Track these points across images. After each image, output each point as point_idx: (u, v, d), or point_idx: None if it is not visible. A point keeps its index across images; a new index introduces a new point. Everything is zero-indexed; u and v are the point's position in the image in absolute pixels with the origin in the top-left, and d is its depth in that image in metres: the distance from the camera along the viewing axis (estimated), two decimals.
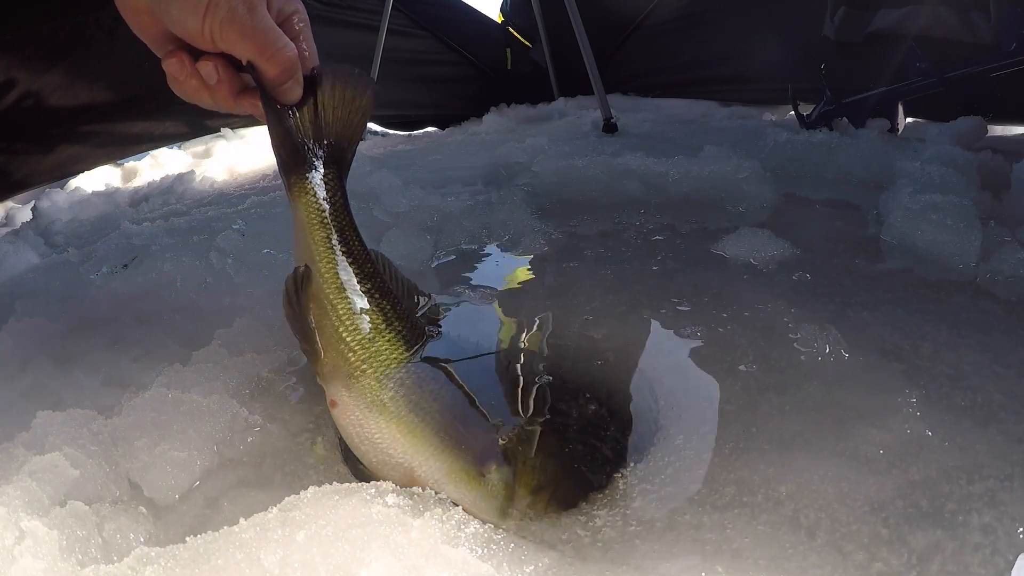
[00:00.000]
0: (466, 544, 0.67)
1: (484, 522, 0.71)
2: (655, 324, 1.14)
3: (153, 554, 0.66)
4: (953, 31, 2.18)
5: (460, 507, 0.73)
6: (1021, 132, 2.18)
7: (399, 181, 1.75)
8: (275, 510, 0.70)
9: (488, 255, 1.51)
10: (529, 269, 1.44)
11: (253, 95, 0.79)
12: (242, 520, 0.69)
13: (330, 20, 3.10)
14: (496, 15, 3.82)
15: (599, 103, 2.70)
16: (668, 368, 1.01)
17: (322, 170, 0.82)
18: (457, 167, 2.30)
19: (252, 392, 1.00)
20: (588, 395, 0.90)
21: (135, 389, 0.99)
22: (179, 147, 3.17)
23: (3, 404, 0.99)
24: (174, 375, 0.98)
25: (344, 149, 0.84)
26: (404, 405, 0.78)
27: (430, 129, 3.61)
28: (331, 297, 0.81)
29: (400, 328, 0.83)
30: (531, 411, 0.85)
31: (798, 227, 1.50)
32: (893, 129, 2.13)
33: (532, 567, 0.67)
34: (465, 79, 3.66)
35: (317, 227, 0.82)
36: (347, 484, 0.73)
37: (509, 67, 3.71)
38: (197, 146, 3.19)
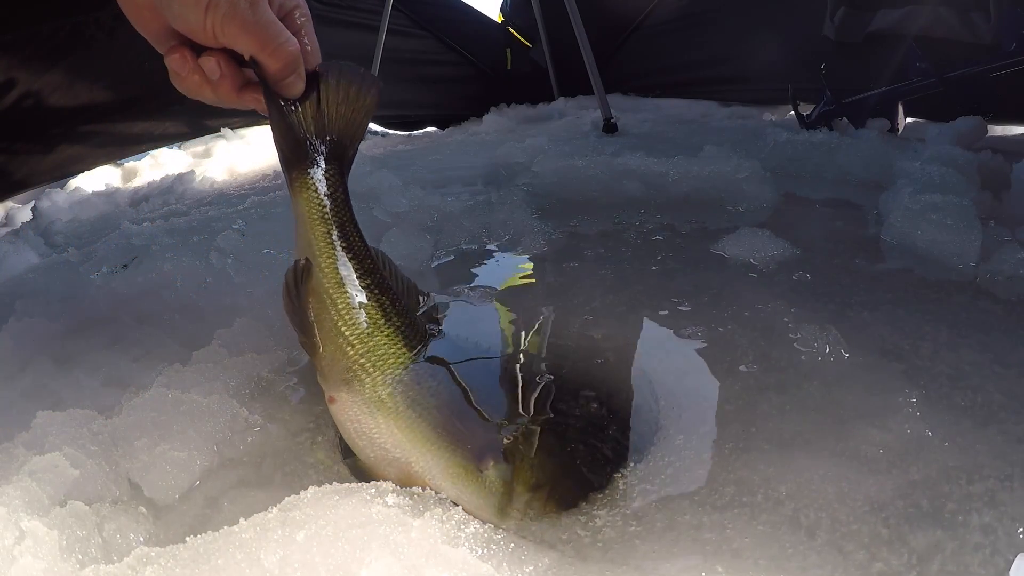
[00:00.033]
0: (466, 544, 0.67)
1: (484, 522, 0.71)
2: (655, 324, 1.14)
3: (153, 554, 0.66)
4: (953, 31, 2.18)
5: (460, 507, 0.73)
6: (1021, 132, 2.18)
7: (399, 181, 1.75)
8: (275, 510, 0.70)
9: (488, 255, 1.51)
10: (529, 269, 1.44)
11: (256, 90, 0.79)
12: (242, 520, 0.69)
13: (330, 20, 3.10)
14: (496, 15, 3.82)
15: (599, 103, 2.70)
16: (668, 368, 1.01)
17: (324, 166, 0.82)
18: (457, 167, 2.30)
19: (252, 392, 1.00)
20: (588, 395, 0.90)
21: (135, 389, 0.99)
22: (179, 147, 3.17)
23: (3, 404, 0.99)
24: (174, 375, 0.98)
25: (346, 146, 0.84)
26: (402, 400, 0.78)
27: (430, 129, 3.61)
28: (331, 291, 0.81)
29: (399, 324, 0.83)
30: (530, 410, 0.85)
31: (798, 227, 1.50)
32: (893, 129, 2.13)
33: (532, 567, 0.67)
34: (465, 79, 3.66)
35: (318, 222, 0.82)
36: (347, 484, 0.73)
37: (509, 67, 3.71)
38: (197, 146, 3.19)
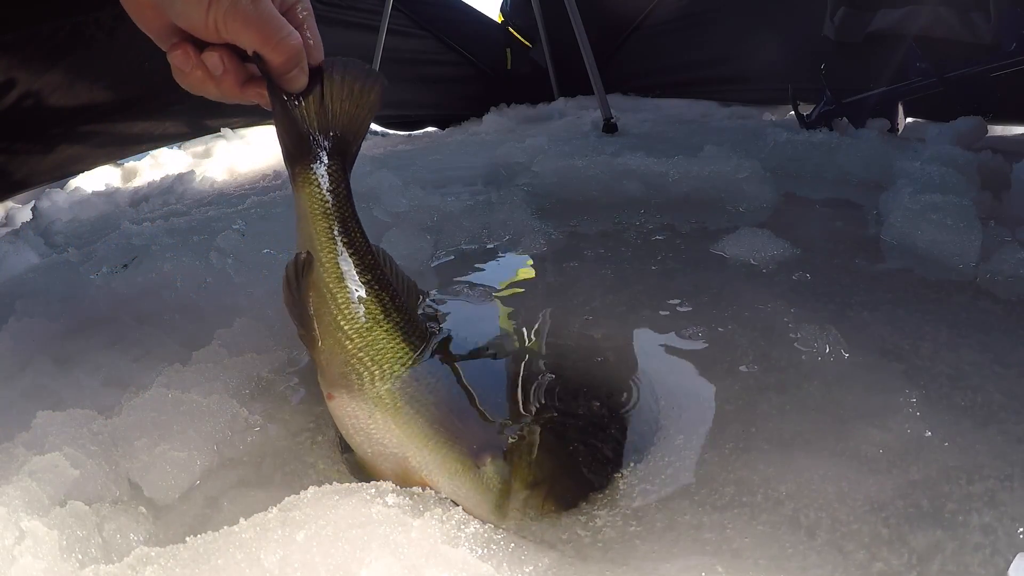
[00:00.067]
0: (466, 544, 0.67)
1: (483, 521, 0.71)
2: (655, 324, 1.14)
3: (153, 554, 0.66)
4: (953, 31, 2.18)
5: (460, 508, 0.72)
6: (1021, 132, 2.18)
7: (399, 181, 1.75)
8: (275, 510, 0.70)
9: (488, 255, 1.51)
10: (529, 269, 1.44)
11: (259, 84, 0.79)
12: (242, 520, 0.68)
13: (330, 20, 3.10)
14: (496, 15, 3.82)
15: (599, 103, 2.70)
16: (668, 368, 1.01)
17: (326, 161, 0.82)
18: (457, 167, 2.30)
19: (252, 392, 1.00)
20: (588, 394, 0.90)
21: (135, 389, 0.99)
22: (179, 147, 3.17)
23: (3, 404, 0.99)
24: (174, 375, 0.98)
25: (349, 142, 0.84)
26: (399, 395, 0.78)
27: (430, 129, 3.61)
28: (331, 286, 0.81)
29: (398, 320, 0.83)
30: (529, 408, 0.85)
31: (798, 227, 1.50)
32: (893, 129, 2.13)
33: (532, 567, 0.67)
34: (465, 79, 3.66)
35: (319, 217, 0.82)
36: (347, 484, 0.73)
37: (509, 67, 3.71)
38: (197, 146, 3.19)
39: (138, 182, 2.82)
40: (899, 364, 0.98)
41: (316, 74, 0.81)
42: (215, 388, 0.95)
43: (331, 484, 0.73)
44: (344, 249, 0.82)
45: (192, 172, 2.70)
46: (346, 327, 0.80)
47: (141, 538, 0.76)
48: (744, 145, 1.97)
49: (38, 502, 0.74)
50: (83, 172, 2.75)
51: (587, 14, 2.70)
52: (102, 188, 2.69)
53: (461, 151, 2.65)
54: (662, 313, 1.17)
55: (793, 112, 2.31)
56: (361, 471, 0.81)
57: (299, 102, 0.81)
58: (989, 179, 1.61)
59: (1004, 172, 1.63)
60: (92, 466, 0.81)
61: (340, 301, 0.81)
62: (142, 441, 0.85)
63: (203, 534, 0.68)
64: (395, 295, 0.84)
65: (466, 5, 3.68)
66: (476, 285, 1.32)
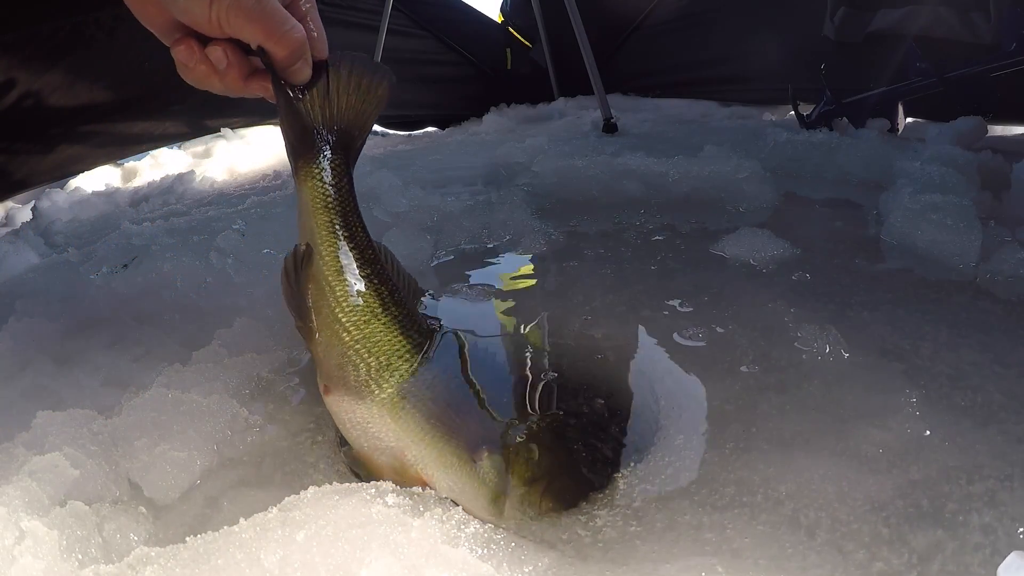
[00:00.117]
0: (466, 544, 0.67)
1: (483, 522, 0.71)
2: (655, 324, 1.14)
3: (153, 554, 0.66)
4: (953, 31, 2.18)
5: (460, 507, 0.72)
6: (1021, 132, 2.18)
7: (399, 181, 1.75)
8: (275, 510, 0.70)
9: (488, 255, 1.51)
10: (529, 269, 1.44)
11: (263, 78, 0.79)
12: (242, 520, 0.69)
13: (330, 20, 3.06)
14: (496, 15, 3.82)
15: (599, 103, 2.70)
16: (668, 368, 1.01)
17: (329, 154, 0.82)
18: (457, 167, 2.30)
19: (252, 392, 1.00)
20: (587, 394, 0.90)
21: (135, 389, 0.99)
22: (179, 147, 3.17)
23: (3, 404, 0.99)
24: (174, 375, 0.98)
25: (354, 136, 0.84)
26: (396, 388, 0.78)
27: (430, 129, 3.61)
28: (329, 278, 0.81)
29: (396, 313, 0.83)
30: (527, 406, 0.85)
31: (798, 227, 1.50)
32: (893, 129, 2.13)
33: (532, 567, 0.67)
34: (465, 79, 3.66)
35: (320, 211, 0.82)
36: (347, 484, 0.73)
37: (509, 67, 3.71)
38: (197, 146, 3.19)
39: (138, 182, 2.82)
40: (899, 364, 0.98)
41: (321, 67, 0.81)
42: (215, 388, 0.95)
43: (331, 484, 0.73)
44: (344, 243, 0.82)
45: (192, 172, 2.70)
46: (344, 319, 0.80)
47: (141, 538, 0.76)
48: (744, 145, 1.97)
49: (38, 502, 0.74)
50: (83, 172, 2.75)
51: (587, 14, 2.70)
52: (102, 188, 2.69)
53: (461, 151, 2.65)
54: (662, 313, 1.17)
55: (793, 112, 2.31)
56: (358, 465, 0.80)
57: (303, 95, 0.80)
58: (989, 179, 1.61)
59: (1004, 172, 1.63)
60: (92, 466, 0.81)
61: (338, 293, 0.81)
62: (142, 441, 0.85)
63: (203, 534, 0.68)
64: (394, 290, 0.84)
65: (466, 5, 3.68)
66: (476, 285, 1.32)
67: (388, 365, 0.79)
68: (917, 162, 1.65)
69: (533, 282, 1.37)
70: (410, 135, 3.52)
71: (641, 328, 1.13)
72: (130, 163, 3.01)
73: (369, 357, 0.79)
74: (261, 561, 0.64)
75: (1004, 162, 1.67)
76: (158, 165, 3.02)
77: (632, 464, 0.81)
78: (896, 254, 1.36)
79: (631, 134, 2.59)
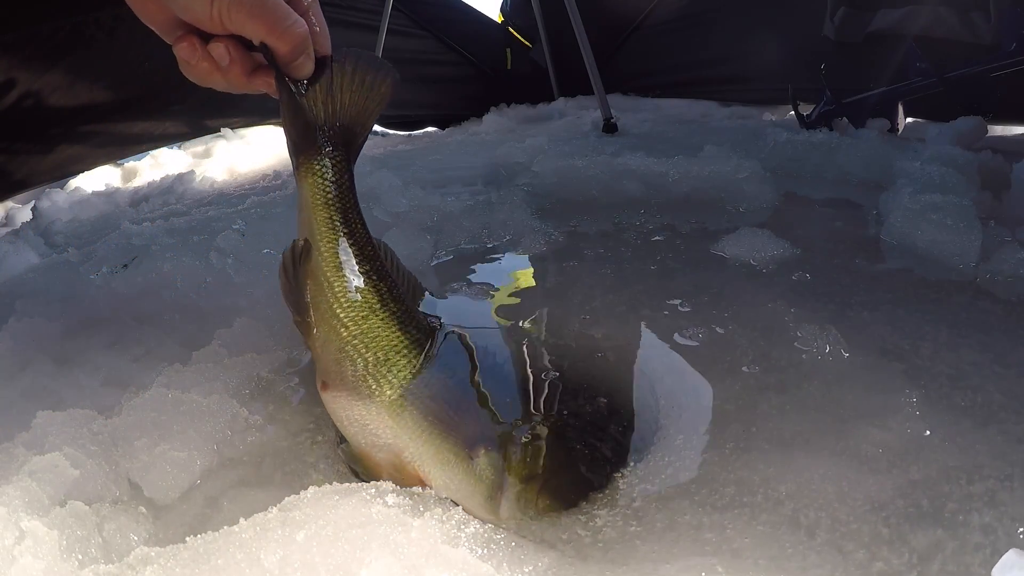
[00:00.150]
0: (466, 544, 0.67)
1: (483, 522, 0.71)
2: (655, 324, 1.14)
3: (153, 554, 0.66)
4: (953, 31, 2.18)
5: (459, 507, 0.72)
6: (1021, 132, 2.18)
7: (399, 181, 1.75)
8: (275, 510, 0.70)
9: (488, 255, 1.51)
10: (529, 269, 1.44)
11: (266, 73, 0.79)
12: (242, 520, 0.68)
13: (330, 20, 3.03)
14: (496, 15, 3.82)
15: (599, 103, 2.70)
16: (668, 368, 1.01)
17: (330, 150, 0.82)
18: (457, 167, 2.30)
19: (252, 392, 1.00)
20: (587, 394, 0.89)
21: (135, 389, 0.98)
22: (179, 147, 3.17)
23: (3, 404, 0.99)
24: (174, 375, 0.98)
25: (356, 133, 0.84)
26: (393, 385, 0.78)
27: (430, 129, 3.61)
28: (328, 274, 0.81)
29: (395, 309, 0.82)
30: (526, 404, 0.85)
31: (798, 227, 1.50)
32: (893, 129, 2.13)
33: (532, 567, 0.67)
34: (465, 79, 3.66)
35: (320, 206, 0.82)
36: (347, 484, 0.73)
37: (509, 67, 3.71)
38: (197, 146, 3.19)
39: (138, 182, 2.82)
40: (899, 364, 0.98)
41: (324, 63, 0.81)
42: (215, 388, 0.95)
43: (331, 484, 0.73)
44: (344, 239, 0.82)
45: (192, 172, 2.70)
46: (341, 315, 0.80)
47: (141, 538, 0.76)
48: (744, 145, 1.97)
49: (38, 502, 0.74)
50: (83, 172, 2.75)
51: (587, 14, 2.70)
52: (102, 188, 2.69)
53: (461, 151, 2.65)
54: (662, 313, 1.17)
55: (793, 112, 2.31)
56: (356, 462, 0.80)
57: (306, 91, 0.80)
58: (989, 179, 1.61)
59: (1004, 172, 1.63)
60: (92, 466, 0.81)
61: (337, 289, 0.81)
62: (142, 441, 0.85)
63: (203, 534, 0.68)
64: (393, 287, 0.84)
65: (466, 5, 3.68)
66: (476, 284, 1.32)
67: (386, 361, 0.79)
68: (917, 162, 1.65)
69: (533, 282, 1.37)
70: (410, 135, 3.52)
71: (641, 328, 1.13)
72: (130, 163, 3.01)
73: (367, 353, 0.79)
74: (261, 561, 0.64)
75: (1004, 162, 1.67)
76: (158, 165, 3.01)
77: (632, 464, 0.81)
78: (896, 254, 1.36)
79: (631, 134, 2.59)
